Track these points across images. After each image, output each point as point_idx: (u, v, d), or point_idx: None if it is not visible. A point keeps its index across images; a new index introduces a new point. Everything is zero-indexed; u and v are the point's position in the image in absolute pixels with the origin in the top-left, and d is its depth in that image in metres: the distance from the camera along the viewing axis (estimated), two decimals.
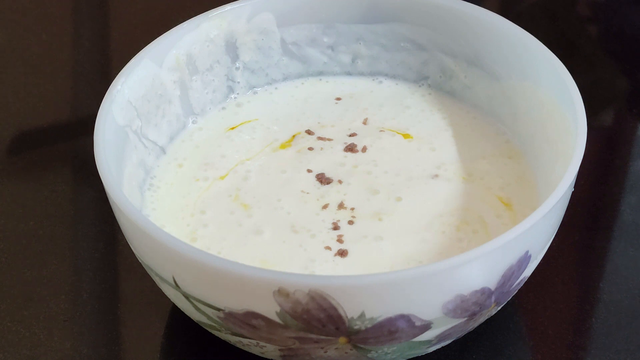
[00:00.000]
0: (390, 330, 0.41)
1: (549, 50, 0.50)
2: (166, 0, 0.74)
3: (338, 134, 0.53)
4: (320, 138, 0.53)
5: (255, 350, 0.44)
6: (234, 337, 0.43)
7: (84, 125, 0.62)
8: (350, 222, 0.48)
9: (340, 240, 0.47)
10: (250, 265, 0.41)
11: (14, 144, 0.62)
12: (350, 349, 0.42)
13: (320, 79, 0.57)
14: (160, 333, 0.50)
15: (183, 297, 0.43)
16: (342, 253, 0.46)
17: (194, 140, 0.53)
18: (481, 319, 0.44)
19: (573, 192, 0.45)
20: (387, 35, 0.55)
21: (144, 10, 0.73)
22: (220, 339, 0.45)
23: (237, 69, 0.55)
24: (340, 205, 0.49)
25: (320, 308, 0.40)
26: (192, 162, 0.52)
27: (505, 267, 0.42)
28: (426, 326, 0.41)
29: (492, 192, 0.49)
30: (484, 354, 0.49)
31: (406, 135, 0.53)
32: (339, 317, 0.40)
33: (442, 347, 0.45)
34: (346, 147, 0.52)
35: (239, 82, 0.55)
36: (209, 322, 0.43)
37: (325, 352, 0.42)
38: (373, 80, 0.56)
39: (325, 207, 0.49)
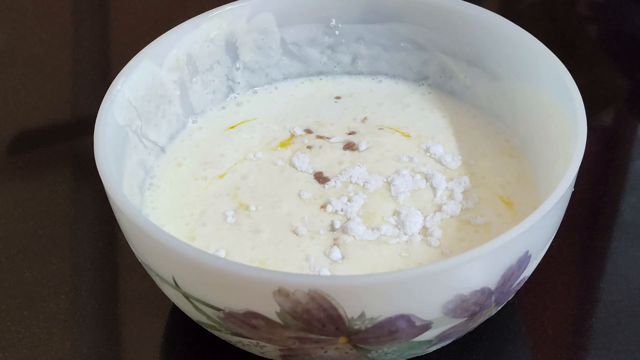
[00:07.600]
0: (390, 330, 0.41)
1: (549, 51, 0.50)
2: (166, 0, 0.74)
3: (337, 132, 0.53)
4: (319, 136, 0.53)
5: (255, 350, 0.44)
6: (234, 337, 0.43)
7: (84, 125, 0.62)
8: (350, 222, 0.48)
9: (339, 240, 0.47)
10: (249, 265, 0.41)
11: (14, 144, 0.62)
12: (350, 349, 0.42)
13: (320, 79, 0.57)
14: (160, 333, 0.50)
15: (183, 297, 0.43)
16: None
17: (194, 140, 0.53)
18: (481, 319, 0.44)
19: (573, 192, 0.45)
20: (387, 35, 0.55)
21: (144, 10, 0.73)
22: (220, 339, 0.45)
23: (237, 69, 0.55)
24: (339, 204, 0.48)
25: (320, 308, 0.40)
26: (192, 162, 0.52)
27: (505, 267, 0.42)
28: (426, 326, 0.41)
29: (493, 191, 0.49)
30: (484, 354, 0.49)
31: (405, 134, 0.53)
32: (339, 317, 0.40)
33: (442, 347, 0.45)
34: (345, 145, 0.52)
35: (239, 82, 0.55)
36: (209, 322, 0.43)
37: (325, 352, 0.42)
38: (373, 79, 0.56)
39: (324, 206, 0.49)
